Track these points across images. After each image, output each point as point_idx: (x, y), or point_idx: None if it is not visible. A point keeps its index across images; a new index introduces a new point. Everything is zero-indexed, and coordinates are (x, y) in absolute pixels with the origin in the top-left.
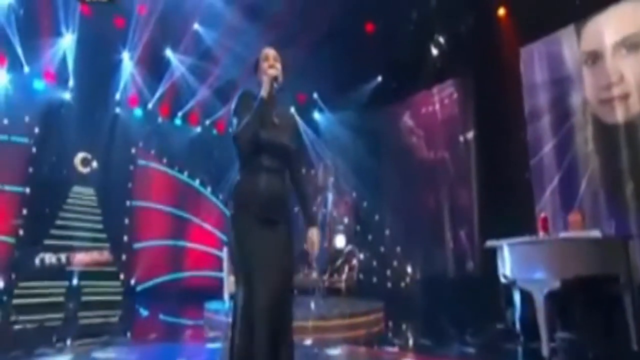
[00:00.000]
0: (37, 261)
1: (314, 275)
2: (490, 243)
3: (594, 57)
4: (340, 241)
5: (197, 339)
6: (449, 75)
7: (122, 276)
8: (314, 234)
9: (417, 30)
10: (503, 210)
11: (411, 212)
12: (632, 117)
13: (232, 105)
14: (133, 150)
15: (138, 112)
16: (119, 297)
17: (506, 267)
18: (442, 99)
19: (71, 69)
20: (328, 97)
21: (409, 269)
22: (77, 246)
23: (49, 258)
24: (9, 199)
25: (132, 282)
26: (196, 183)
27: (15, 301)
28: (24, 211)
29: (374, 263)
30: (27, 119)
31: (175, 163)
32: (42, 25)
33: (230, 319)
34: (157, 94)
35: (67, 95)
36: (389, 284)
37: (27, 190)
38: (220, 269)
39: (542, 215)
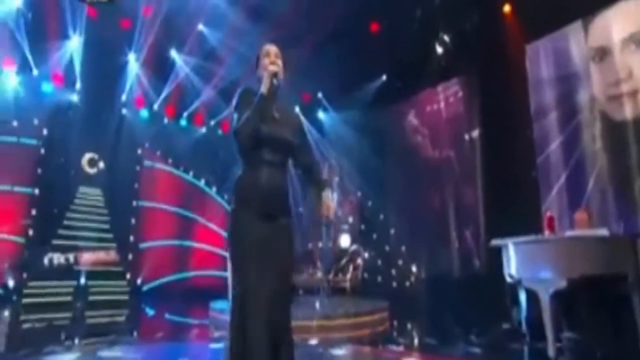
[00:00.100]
0: (45, 261)
1: (319, 274)
2: (495, 242)
3: (602, 53)
4: (345, 240)
5: (202, 339)
6: (454, 73)
7: (128, 276)
8: (328, 196)
9: (422, 28)
10: (509, 209)
11: (416, 211)
12: None
13: (233, 101)
14: (139, 151)
15: (144, 113)
16: (125, 297)
17: (511, 266)
18: (447, 97)
19: (78, 71)
20: (333, 96)
21: (414, 268)
22: (84, 246)
23: (57, 258)
24: (18, 200)
25: (139, 281)
26: (201, 183)
27: (25, 300)
28: (33, 211)
29: (379, 262)
30: (35, 121)
31: (180, 163)
32: (50, 29)
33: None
34: (163, 95)
35: (74, 97)
36: (394, 284)
37: (36, 191)
38: (225, 269)
39: (548, 214)
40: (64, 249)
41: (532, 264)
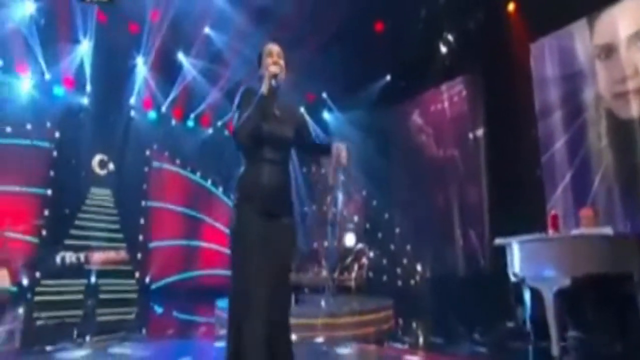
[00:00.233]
0: (58, 260)
1: (324, 273)
2: (499, 241)
3: (608, 51)
4: (350, 240)
5: (208, 337)
6: (458, 72)
7: (137, 275)
8: (339, 145)
9: (426, 28)
10: (514, 207)
11: (421, 211)
12: None
13: (235, 101)
14: (147, 152)
15: (152, 115)
16: (134, 295)
17: (515, 265)
18: (451, 96)
19: (88, 75)
20: (337, 96)
21: (419, 267)
22: (94, 245)
23: (69, 257)
24: (32, 201)
25: (147, 280)
26: (208, 183)
27: (38, 298)
28: (46, 212)
29: (384, 261)
30: (48, 124)
31: (188, 164)
32: (61, 34)
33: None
34: (170, 97)
35: (85, 100)
36: (399, 282)
37: (49, 192)
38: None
39: (552, 212)
40: (75, 249)
41: (536, 263)
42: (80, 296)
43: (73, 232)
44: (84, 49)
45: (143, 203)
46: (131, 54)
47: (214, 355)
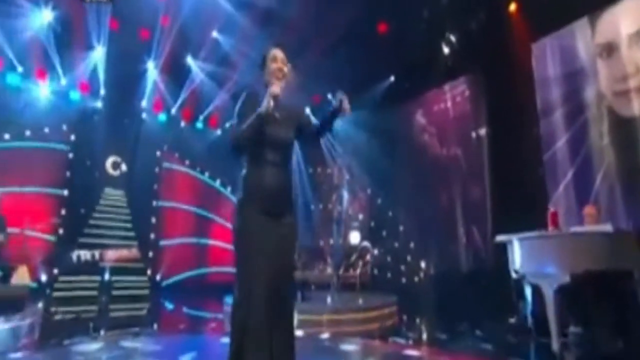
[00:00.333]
0: (74, 257)
1: (329, 270)
2: (500, 238)
3: (609, 49)
4: (354, 237)
5: (216, 332)
6: (460, 72)
7: (149, 272)
8: (340, 97)
9: (429, 29)
10: (516, 205)
11: (424, 209)
12: None
13: (237, 105)
14: (158, 153)
15: (162, 117)
16: (146, 292)
17: (516, 261)
18: (454, 96)
19: (102, 80)
20: None
21: (423, 264)
22: (108, 244)
23: (84, 255)
24: (49, 201)
25: (158, 277)
26: (217, 183)
27: (56, 294)
28: (63, 212)
29: (389, 258)
30: (64, 127)
31: (197, 164)
32: (76, 41)
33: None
34: (180, 100)
35: (98, 104)
36: (403, 279)
37: (65, 192)
38: None
39: (551, 210)
40: (90, 247)
41: (536, 260)
42: (94, 292)
43: (88, 230)
44: (98, 55)
45: (154, 203)
46: (142, 58)
47: (222, 349)
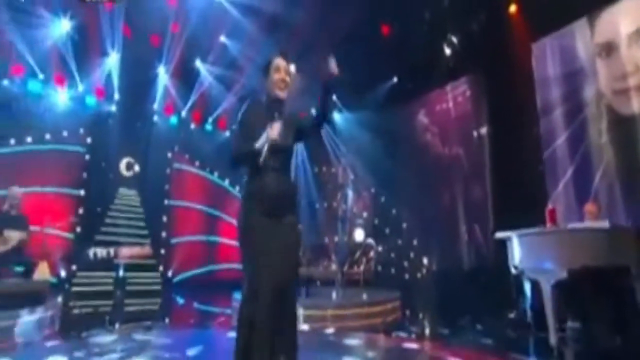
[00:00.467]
0: (90, 254)
1: (334, 267)
2: (499, 234)
3: (609, 49)
4: (359, 235)
5: (225, 327)
6: (462, 73)
7: (161, 268)
8: (328, 60)
9: (430, 30)
10: (517, 203)
11: (427, 207)
12: None
13: (239, 114)
14: (169, 155)
15: (173, 119)
16: (158, 287)
17: (515, 257)
18: (455, 96)
19: (116, 85)
20: (346, 98)
21: (425, 261)
22: (122, 241)
23: (100, 252)
24: (67, 201)
25: (170, 273)
26: (226, 183)
27: (74, 289)
28: (80, 211)
29: (392, 255)
30: (81, 130)
31: (206, 165)
32: (92, 48)
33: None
34: (190, 103)
35: (113, 108)
36: (406, 275)
37: (82, 192)
38: None
39: (550, 206)
40: (106, 244)
41: (534, 255)
42: (110, 287)
43: (103, 229)
44: (112, 61)
45: (166, 202)
46: (153, 64)
47: (229, 343)
